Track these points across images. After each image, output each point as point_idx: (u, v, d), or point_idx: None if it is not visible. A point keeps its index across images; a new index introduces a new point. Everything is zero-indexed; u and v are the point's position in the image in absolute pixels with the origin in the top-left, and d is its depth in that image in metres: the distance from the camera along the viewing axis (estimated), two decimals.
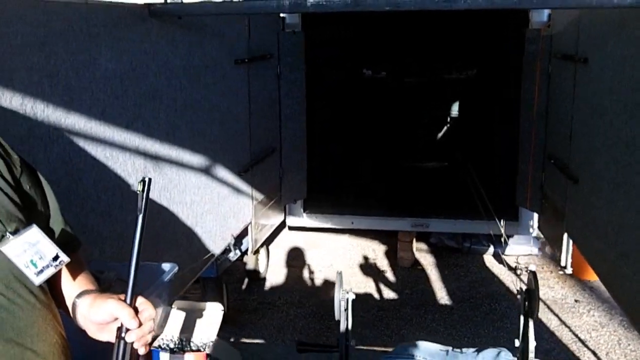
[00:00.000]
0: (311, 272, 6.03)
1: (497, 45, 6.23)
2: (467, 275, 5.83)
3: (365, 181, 6.76)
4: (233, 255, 4.67)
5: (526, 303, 2.48)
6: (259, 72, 4.87)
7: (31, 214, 1.32)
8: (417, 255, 6.23)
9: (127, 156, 2.89)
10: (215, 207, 4.04)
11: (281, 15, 5.42)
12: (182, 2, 3.77)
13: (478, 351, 2.59)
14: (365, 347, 4.21)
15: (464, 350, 2.61)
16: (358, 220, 6.16)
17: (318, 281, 5.83)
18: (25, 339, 1.21)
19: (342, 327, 1.99)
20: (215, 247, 4.06)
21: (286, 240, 6.66)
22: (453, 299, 5.39)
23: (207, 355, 2.02)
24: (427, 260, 6.22)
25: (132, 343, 1.30)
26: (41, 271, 1.24)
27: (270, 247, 6.24)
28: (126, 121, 2.88)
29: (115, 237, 2.74)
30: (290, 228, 6.47)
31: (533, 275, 2.54)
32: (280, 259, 6.30)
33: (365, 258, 6.32)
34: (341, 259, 6.29)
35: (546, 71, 4.66)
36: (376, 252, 6.47)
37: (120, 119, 2.82)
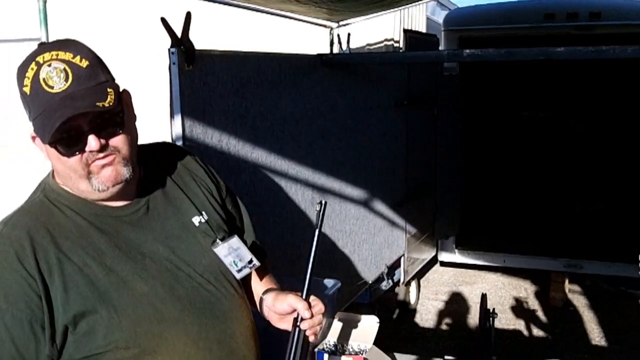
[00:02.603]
0: (461, 307, 6.16)
1: None
2: (622, 319, 5.69)
3: (519, 220, 6.80)
4: (385, 285, 4.97)
5: None
6: (417, 113, 5.20)
7: (232, 228, 1.71)
8: (570, 296, 6.17)
9: (298, 187, 3.32)
10: (370, 237, 4.38)
11: None
12: (349, 52, 4.19)
13: None
14: None
15: None
16: (510, 259, 6.23)
17: (468, 317, 5.96)
18: (227, 318, 1.57)
19: (484, 342, 2.22)
20: (370, 274, 4.40)
21: (437, 275, 6.85)
22: (606, 341, 5.30)
23: (364, 359, 2.33)
24: (579, 302, 6.14)
25: (304, 331, 1.62)
26: (240, 270, 1.61)
27: (422, 280, 6.46)
28: (299, 157, 3.31)
29: (286, 257, 3.16)
30: (442, 263, 6.66)
31: None
32: (431, 292, 6.50)
33: (516, 296, 6.35)
34: (492, 296, 6.36)
35: None
36: (527, 291, 6.47)
37: (294, 155, 3.25)
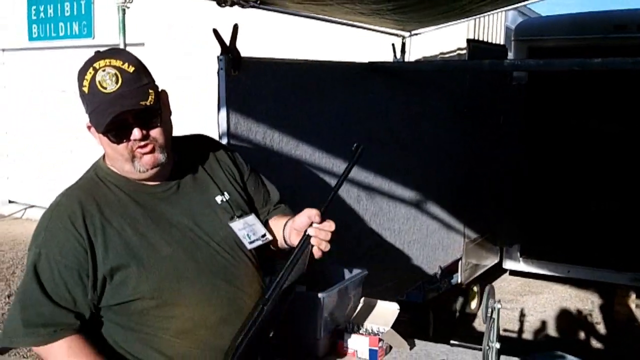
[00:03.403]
0: (522, 316, 6.20)
1: None
2: None
3: (584, 230, 6.73)
4: (440, 286, 5.12)
5: None
6: (480, 121, 5.33)
7: (251, 207, 1.99)
8: (636, 311, 6.08)
9: (344, 185, 3.56)
10: (423, 237, 4.56)
11: None
12: (402, 60, 4.40)
13: None
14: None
15: None
16: (575, 270, 6.21)
17: (528, 325, 6.00)
18: (239, 283, 1.84)
19: (487, 330, 2.38)
20: (421, 274, 4.57)
21: (505, 283, 6.90)
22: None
23: (380, 339, 2.55)
24: None
25: (310, 237, 1.75)
26: (252, 242, 1.89)
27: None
28: (344, 156, 3.55)
29: (331, 248, 3.40)
30: (511, 272, 6.70)
31: None
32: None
33: (581, 308, 6.31)
34: (555, 306, 6.37)
35: None
36: (593, 304, 6.42)
37: (339, 155, 3.50)
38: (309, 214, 1.77)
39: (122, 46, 3.06)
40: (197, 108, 6.57)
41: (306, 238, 1.75)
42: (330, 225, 1.77)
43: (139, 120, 1.68)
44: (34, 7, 9.80)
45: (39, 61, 10.02)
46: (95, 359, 1.67)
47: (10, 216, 10.36)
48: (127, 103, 1.64)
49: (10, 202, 10.63)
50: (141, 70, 1.71)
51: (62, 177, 9.69)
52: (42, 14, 9.77)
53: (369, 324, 2.67)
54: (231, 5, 3.36)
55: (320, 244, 1.76)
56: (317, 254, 1.77)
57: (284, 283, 1.72)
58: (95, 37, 9.06)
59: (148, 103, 1.66)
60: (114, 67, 1.66)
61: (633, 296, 6.06)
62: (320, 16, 4.10)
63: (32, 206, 10.10)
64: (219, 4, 3.34)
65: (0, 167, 10.67)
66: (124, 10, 3.28)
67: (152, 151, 1.72)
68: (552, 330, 5.85)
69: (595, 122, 6.44)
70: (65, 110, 9.62)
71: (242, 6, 3.42)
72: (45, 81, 9.94)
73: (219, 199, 1.89)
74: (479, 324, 6.02)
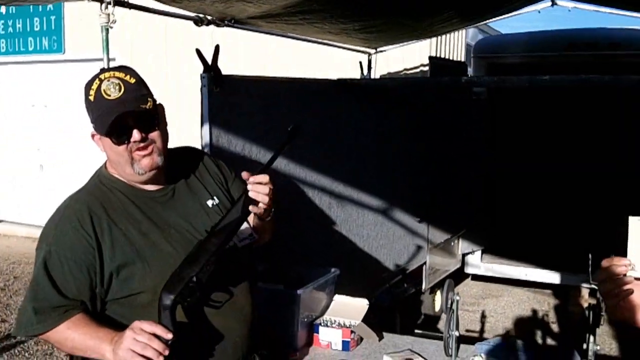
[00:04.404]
0: (484, 318, 6.52)
1: None
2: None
3: (541, 235, 7.06)
4: (406, 290, 5.39)
5: None
6: (443, 133, 5.65)
7: None
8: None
9: (316, 192, 3.83)
10: (389, 243, 4.84)
11: None
12: (369, 77, 4.69)
13: None
14: None
15: None
16: (532, 273, 6.55)
17: (489, 326, 6.31)
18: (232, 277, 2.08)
19: (447, 320, 2.65)
20: (387, 278, 4.84)
21: (467, 288, 7.23)
22: (618, 353, 5.58)
23: (351, 331, 2.81)
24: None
25: (248, 191, 1.91)
26: (242, 241, 2.11)
27: (442, 294, 6.83)
28: (319, 167, 3.82)
29: (303, 251, 3.65)
30: (473, 277, 7.03)
31: None
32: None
33: (537, 309, 6.66)
34: (514, 308, 6.71)
35: None
36: (549, 304, 6.79)
37: (314, 165, 3.76)
38: (243, 174, 1.96)
39: (105, 64, 3.29)
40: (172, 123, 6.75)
41: (244, 190, 1.94)
42: (263, 177, 1.95)
43: (138, 123, 1.89)
44: (1, 22, 9.88)
45: (8, 76, 10.09)
46: (98, 328, 1.85)
47: None
48: (129, 106, 1.86)
49: None
50: (141, 83, 1.95)
51: (32, 192, 9.80)
52: (10, 29, 9.85)
53: (341, 318, 2.93)
54: (207, 25, 3.61)
55: (257, 196, 1.93)
56: (258, 210, 1.95)
57: (217, 225, 1.92)
58: (66, 52, 9.19)
59: (147, 107, 1.89)
60: (118, 78, 1.90)
61: (586, 296, 6.42)
62: (291, 34, 4.38)
63: (1, 221, 10.13)
64: (196, 23, 3.58)
65: None
66: (107, 30, 3.50)
67: (150, 153, 1.93)
68: (511, 331, 6.18)
69: (549, 132, 6.82)
70: (35, 124, 9.71)
71: (218, 25, 3.67)
72: (14, 96, 10.02)
73: (209, 202, 2.13)
74: (442, 326, 6.31)
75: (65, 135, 9.24)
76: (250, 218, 2.04)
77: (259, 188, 1.93)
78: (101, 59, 3.10)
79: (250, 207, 1.93)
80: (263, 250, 2.20)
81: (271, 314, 2.73)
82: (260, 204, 1.95)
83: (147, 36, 8.66)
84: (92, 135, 1.98)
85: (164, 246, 1.96)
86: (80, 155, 8.89)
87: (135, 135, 1.89)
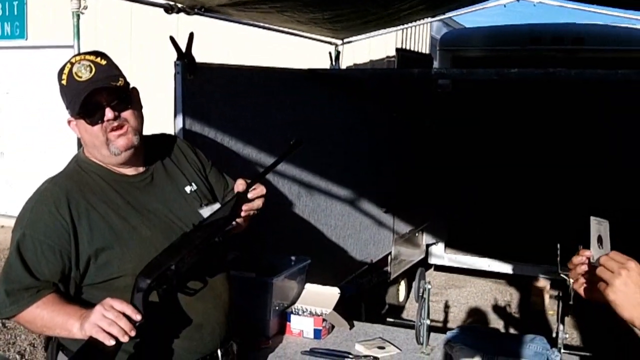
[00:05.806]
0: (447, 307, 6.63)
1: None
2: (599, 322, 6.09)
3: (504, 227, 7.19)
4: (372, 280, 5.44)
5: None
6: (409, 125, 5.71)
7: (213, 195, 2.22)
8: (550, 301, 6.59)
9: (285, 182, 3.83)
10: (356, 233, 4.88)
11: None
12: (339, 67, 4.70)
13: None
14: None
15: None
16: (494, 264, 6.67)
17: (452, 316, 6.42)
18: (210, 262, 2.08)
19: (419, 309, 2.70)
20: (354, 267, 4.89)
21: (430, 278, 7.31)
22: (578, 343, 5.74)
23: (323, 319, 2.83)
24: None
25: (240, 200, 1.98)
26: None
27: (414, 282, 6.93)
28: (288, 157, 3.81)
29: (273, 240, 3.66)
30: (436, 267, 7.14)
31: None
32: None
33: (500, 299, 6.81)
34: (477, 298, 6.84)
35: None
36: (511, 295, 6.94)
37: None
38: (239, 182, 2.02)
39: (76, 50, 3.24)
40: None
41: (235, 195, 1.99)
42: (262, 190, 2.06)
43: (110, 101, 1.88)
44: None
45: None
46: (68, 305, 1.84)
47: None
48: (100, 84, 1.86)
49: None
50: (112, 64, 1.94)
51: (12, 185, 9.57)
52: None
53: (313, 307, 2.95)
54: (177, 12, 3.58)
55: (252, 205, 2.02)
56: (241, 220, 2.02)
57: (205, 221, 1.97)
58: (29, 39, 8.99)
59: (118, 84, 1.89)
60: (89, 60, 1.90)
61: (547, 287, 6.58)
62: (261, 24, 4.36)
63: None
64: (166, 11, 3.54)
65: None
66: (78, 16, 3.44)
67: (125, 133, 1.92)
68: (474, 320, 6.30)
69: (513, 125, 6.92)
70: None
71: (188, 13, 3.64)
72: None
73: (187, 189, 2.12)
74: (406, 315, 6.39)
75: (27, 122, 9.09)
76: None
77: (258, 202, 2.03)
78: (64, 46, 3.06)
79: (243, 213, 1.99)
80: (233, 238, 2.20)
81: (244, 302, 2.73)
82: (252, 212, 2.02)
83: (111, 23, 8.53)
84: (69, 122, 1.96)
85: (143, 231, 1.95)
86: (43, 143, 8.73)
87: (108, 113, 1.88)
